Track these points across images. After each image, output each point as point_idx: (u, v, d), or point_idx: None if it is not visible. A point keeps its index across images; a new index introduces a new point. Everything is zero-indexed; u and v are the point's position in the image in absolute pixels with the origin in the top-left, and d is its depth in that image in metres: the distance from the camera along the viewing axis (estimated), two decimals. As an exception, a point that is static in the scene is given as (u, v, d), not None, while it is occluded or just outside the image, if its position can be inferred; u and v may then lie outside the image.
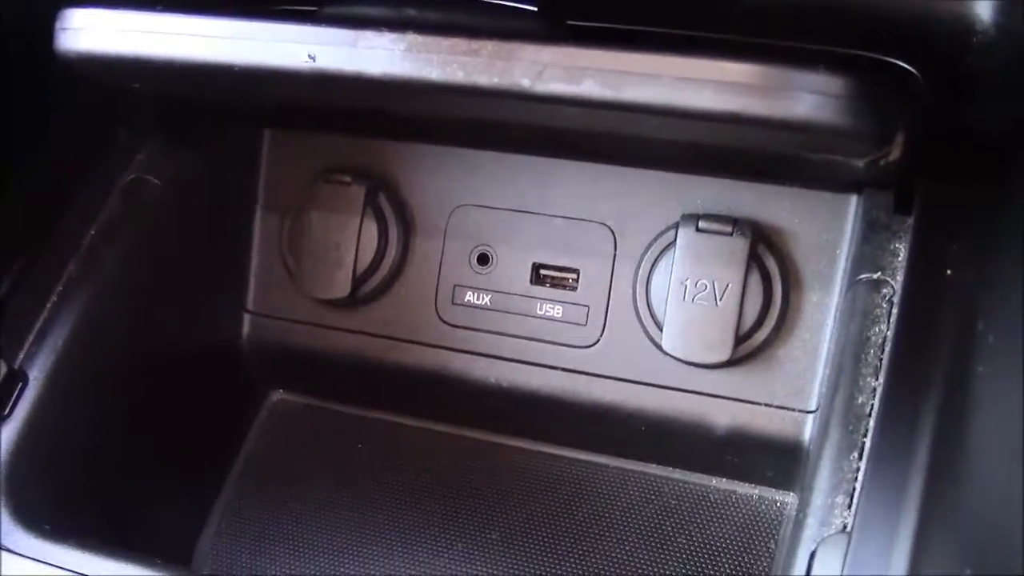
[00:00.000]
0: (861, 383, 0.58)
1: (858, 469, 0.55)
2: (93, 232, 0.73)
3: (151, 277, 0.77)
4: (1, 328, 0.68)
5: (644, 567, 0.75)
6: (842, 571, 0.50)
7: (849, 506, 0.54)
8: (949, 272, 0.56)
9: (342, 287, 0.80)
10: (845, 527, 0.53)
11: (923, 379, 0.53)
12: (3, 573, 0.61)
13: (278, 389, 0.90)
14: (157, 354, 0.78)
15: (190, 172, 0.80)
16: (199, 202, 0.81)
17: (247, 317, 0.85)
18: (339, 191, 0.80)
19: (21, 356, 0.69)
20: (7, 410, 0.67)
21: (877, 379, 0.57)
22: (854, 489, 0.54)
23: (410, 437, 0.86)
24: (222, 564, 0.82)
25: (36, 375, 0.68)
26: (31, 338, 0.69)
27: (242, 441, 0.87)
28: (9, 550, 0.61)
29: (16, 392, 0.67)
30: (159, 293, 0.78)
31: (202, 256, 0.82)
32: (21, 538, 0.62)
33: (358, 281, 0.80)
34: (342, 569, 0.79)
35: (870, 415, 0.56)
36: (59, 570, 0.60)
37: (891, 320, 0.59)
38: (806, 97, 0.50)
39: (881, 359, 0.58)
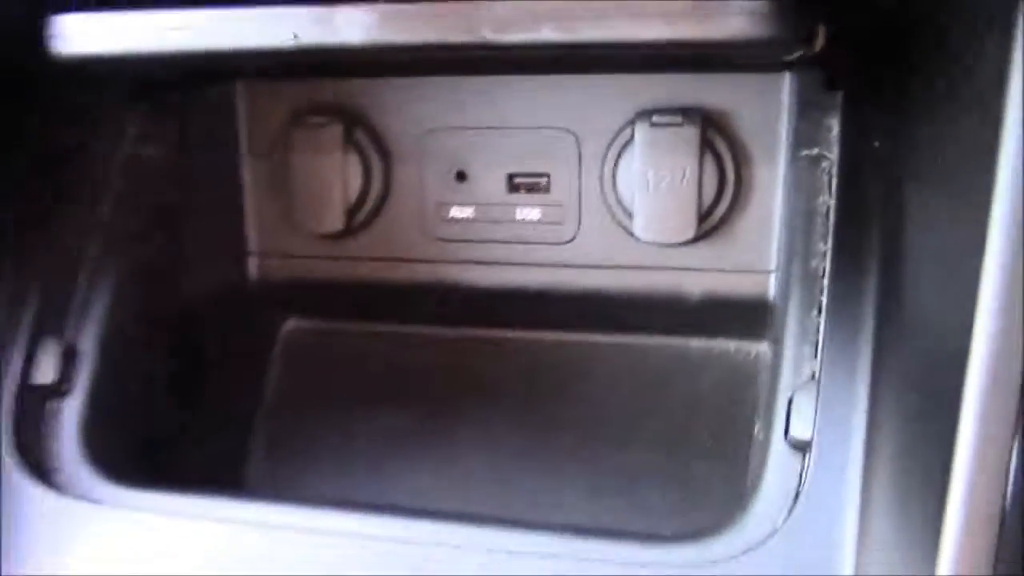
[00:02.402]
0: (812, 248, 0.67)
1: (819, 323, 0.64)
2: (106, 210, 0.79)
3: (164, 239, 0.84)
4: (51, 312, 0.75)
5: (643, 425, 0.86)
6: (815, 413, 0.60)
7: (815, 356, 0.64)
8: (876, 144, 0.65)
9: (336, 221, 0.87)
10: (813, 375, 0.63)
11: (863, 240, 0.63)
12: (99, 530, 0.70)
13: (290, 318, 0.98)
14: (180, 307, 0.86)
15: (177, 136, 0.85)
16: (190, 162, 0.87)
17: (251, 259, 0.93)
18: (318, 133, 0.86)
19: (70, 333, 0.76)
20: (70, 385, 0.75)
21: (825, 243, 0.66)
22: (817, 341, 0.64)
23: (417, 343, 0.94)
24: (270, 486, 0.92)
25: (86, 348, 0.76)
26: (75, 315, 0.76)
27: (266, 369, 0.96)
28: (102, 505, 0.70)
29: (75, 367, 0.75)
30: (173, 252, 0.85)
31: (203, 211, 0.88)
32: (112, 493, 0.71)
33: (350, 212, 0.87)
34: (378, 472, 0.89)
35: (823, 276, 0.66)
36: (154, 515, 0.69)
37: (832, 190, 0.68)
38: (737, 18, 0.58)
39: (827, 226, 0.67)
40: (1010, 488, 0.46)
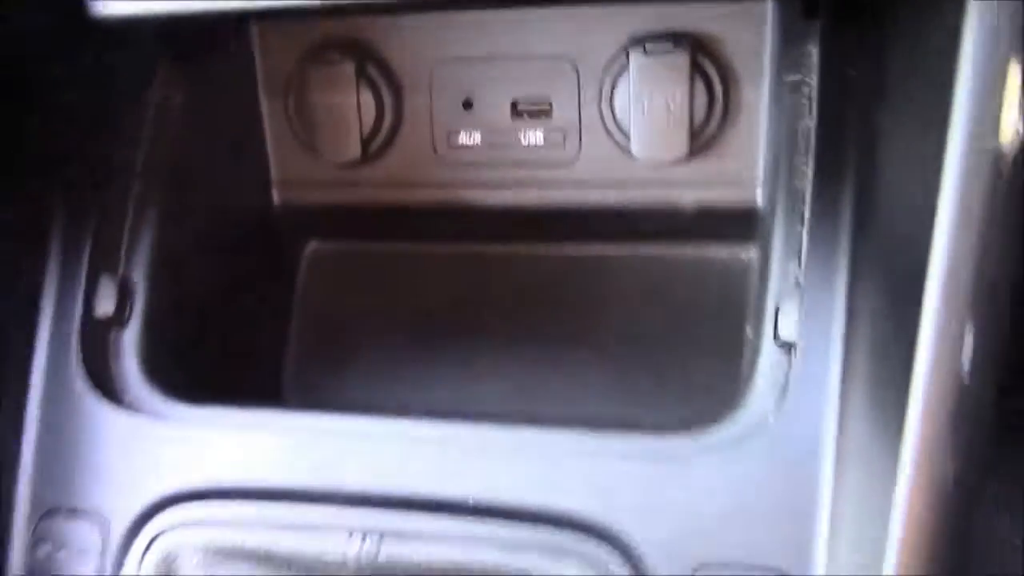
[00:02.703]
0: (796, 167, 0.74)
1: (802, 236, 0.72)
2: (143, 153, 0.86)
3: (199, 174, 0.90)
4: (105, 250, 0.82)
5: (645, 327, 0.94)
6: (799, 316, 0.68)
7: (799, 265, 0.71)
8: (852, 72, 0.71)
9: (353, 150, 0.94)
10: (798, 282, 0.71)
11: (841, 160, 0.70)
12: (163, 442, 0.78)
13: (312, 241, 1.05)
14: (214, 235, 0.93)
15: (200, 79, 0.91)
16: (214, 102, 0.93)
17: (274, 188, 0.99)
18: (332, 70, 0.92)
19: (123, 268, 0.83)
20: (128, 314, 0.82)
21: (807, 163, 0.73)
22: (800, 252, 0.72)
23: (430, 261, 1.02)
24: (305, 395, 1.00)
25: (137, 280, 0.83)
26: (125, 251, 0.84)
27: (293, 287, 1.03)
28: (166, 421, 0.79)
29: (130, 299, 0.83)
30: (205, 187, 0.91)
31: (230, 147, 0.94)
32: (173, 409, 0.79)
33: (365, 142, 0.93)
34: (403, 379, 0.98)
35: (805, 192, 0.73)
36: (210, 428, 0.77)
37: (812, 113, 0.74)
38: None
39: (808, 146, 0.74)
40: (967, 374, 0.54)
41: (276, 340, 1.01)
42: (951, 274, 0.52)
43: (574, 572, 0.65)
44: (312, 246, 1.05)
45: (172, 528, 0.72)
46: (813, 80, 0.75)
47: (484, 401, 0.95)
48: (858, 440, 0.65)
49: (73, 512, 0.76)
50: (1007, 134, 0.49)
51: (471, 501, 0.68)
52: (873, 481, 0.60)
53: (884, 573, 0.57)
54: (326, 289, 1.04)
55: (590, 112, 0.90)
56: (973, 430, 0.55)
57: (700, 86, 0.85)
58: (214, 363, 0.90)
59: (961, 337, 0.53)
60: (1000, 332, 0.54)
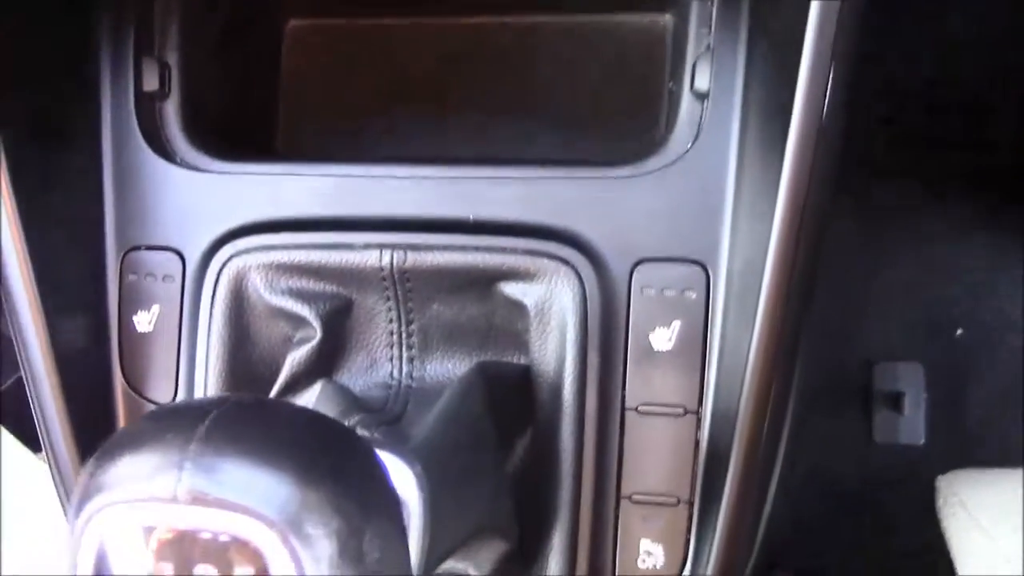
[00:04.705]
0: None
1: (711, 7, 0.92)
2: None
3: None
4: (145, 36, 0.99)
5: (578, 86, 1.15)
6: (711, 71, 0.90)
7: (709, 32, 0.93)
8: None
9: None
10: (709, 45, 0.93)
11: None
12: (206, 190, 0.98)
13: (291, 19, 1.21)
14: (221, 23, 1.08)
15: None
16: None
17: None
18: None
19: (160, 51, 1.00)
20: (168, 88, 1.00)
21: None
22: (711, 19, 0.92)
23: (404, 34, 1.19)
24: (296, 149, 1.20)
25: (172, 62, 1.00)
26: (159, 36, 1.00)
27: (279, 64, 1.20)
28: (207, 173, 0.98)
29: (169, 76, 1.00)
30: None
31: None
32: (219, 165, 0.98)
33: None
34: (384, 134, 1.18)
35: None
36: (242, 176, 0.97)
37: None
38: None
39: None
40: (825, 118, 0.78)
41: (270, 111, 1.19)
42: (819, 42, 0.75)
43: (549, 265, 0.90)
44: (291, 24, 1.21)
45: (237, 254, 0.94)
46: None
47: (455, 150, 1.16)
48: (751, 167, 0.90)
49: (152, 248, 0.97)
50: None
51: (471, 218, 0.92)
52: (764, 194, 0.84)
53: (768, 256, 0.83)
54: (308, 62, 1.21)
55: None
56: (828, 161, 0.80)
57: None
58: (231, 130, 1.09)
59: (825, 90, 0.77)
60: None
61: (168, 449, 0.51)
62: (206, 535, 0.51)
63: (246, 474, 0.51)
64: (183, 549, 0.51)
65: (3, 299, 0.91)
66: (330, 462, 0.54)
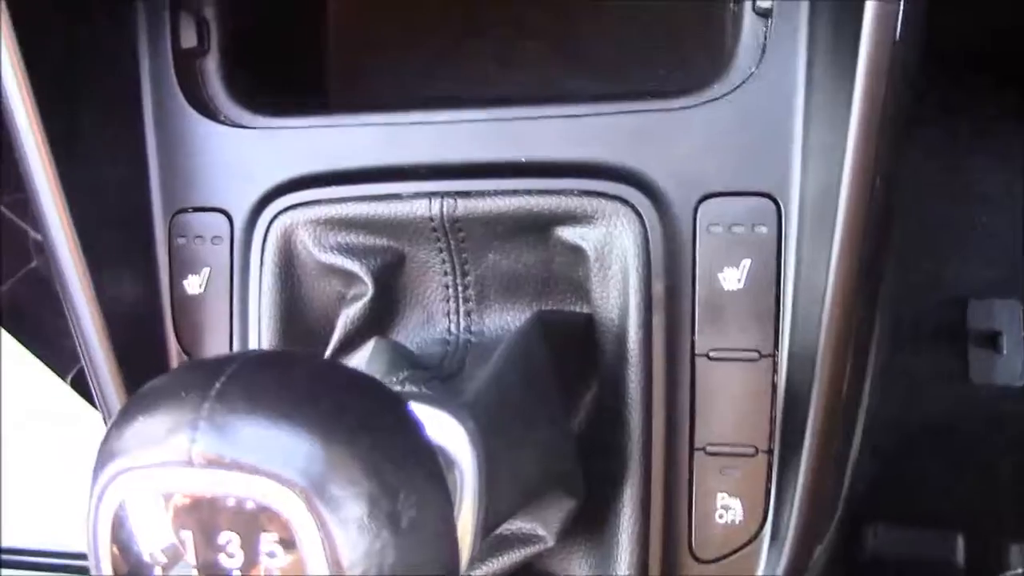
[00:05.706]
0: None
1: None
2: None
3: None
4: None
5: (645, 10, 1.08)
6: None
7: None
8: None
9: None
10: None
11: None
12: (246, 145, 0.95)
13: None
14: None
15: None
16: None
17: None
18: None
19: (198, 8, 0.97)
20: (207, 45, 0.97)
21: None
22: None
23: None
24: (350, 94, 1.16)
25: (210, 17, 0.97)
26: None
27: (325, 6, 1.16)
28: (249, 129, 0.95)
29: (208, 33, 0.97)
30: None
31: None
32: (263, 120, 0.95)
33: None
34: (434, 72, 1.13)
35: None
36: (284, 130, 0.93)
37: None
38: None
39: None
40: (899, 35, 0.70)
41: (319, 57, 1.15)
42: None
43: (607, 205, 0.84)
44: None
45: (284, 211, 0.91)
46: None
47: (509, 88, 1.11)
48: (821, 87, 0.82)
49: (200, 209, 0.94)
50: None
51: (523, 159, 0.87)
52: (836, 119, 0.77)
53: (843, 184, 0.76)
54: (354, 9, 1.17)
55: None
56: (903, 83, 0.72)
57: None
58: (277, 81, 1.06)
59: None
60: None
61: (182, 409, 0.48)
62: (229, 501, 0.48)
63: (264, 433, 0.48)
64: (203, 516, 0.48)
65: (53, 270, 0.90)
66: (355, 416, 0.50)
